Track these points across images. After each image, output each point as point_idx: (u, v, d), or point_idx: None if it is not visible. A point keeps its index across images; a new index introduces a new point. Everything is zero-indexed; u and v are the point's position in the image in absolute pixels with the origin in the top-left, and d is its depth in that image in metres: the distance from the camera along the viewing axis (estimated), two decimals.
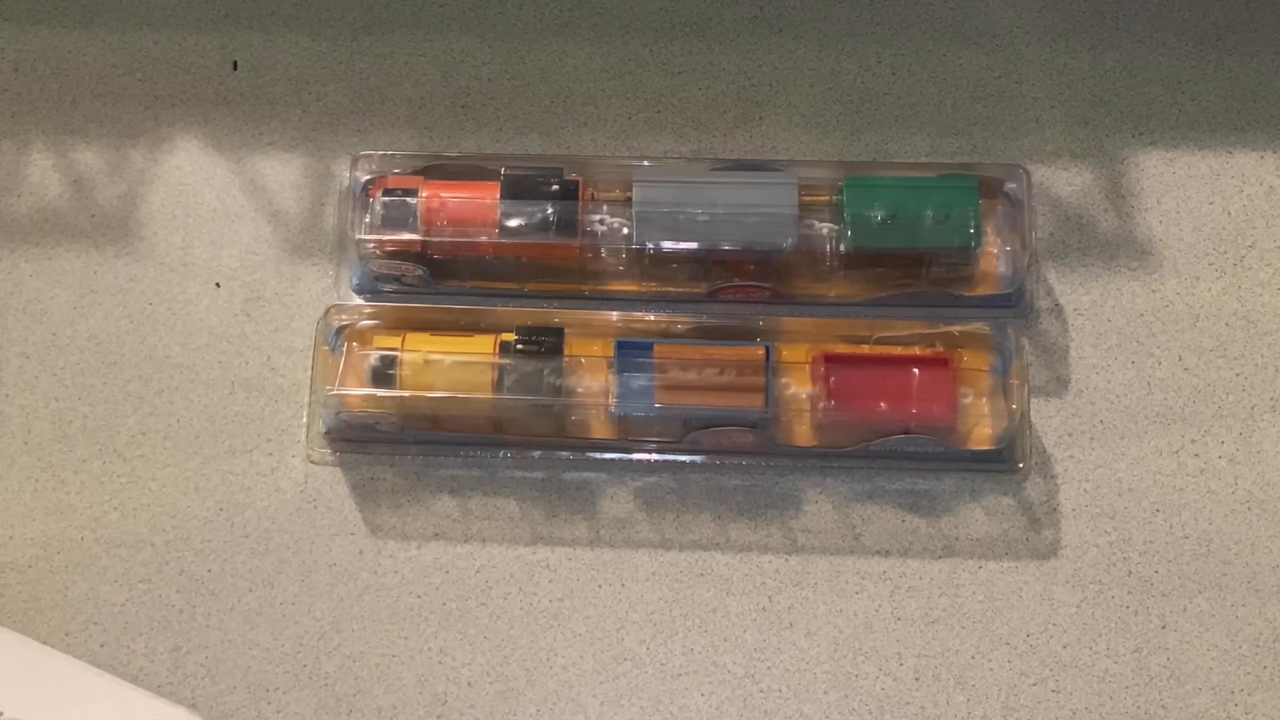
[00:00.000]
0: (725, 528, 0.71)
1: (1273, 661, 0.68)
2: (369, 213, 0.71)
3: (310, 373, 0.71)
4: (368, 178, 0.72)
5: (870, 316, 0.72)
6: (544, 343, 0.69)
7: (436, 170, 0.72)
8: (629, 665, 0.69)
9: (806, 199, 0.71)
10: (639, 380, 0.68)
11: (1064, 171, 0.75)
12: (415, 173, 0.72)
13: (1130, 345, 0.73)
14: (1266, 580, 0.69)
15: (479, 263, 0.72)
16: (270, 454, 0.72)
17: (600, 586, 0.70)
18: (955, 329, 0.70)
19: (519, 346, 0.69)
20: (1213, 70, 0.77)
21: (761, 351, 0.68)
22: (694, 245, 0.70)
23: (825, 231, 0.71)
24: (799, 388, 0.69)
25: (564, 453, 0.71)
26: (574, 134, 0.77)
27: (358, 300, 0.74)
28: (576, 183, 0.71)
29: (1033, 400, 0.72)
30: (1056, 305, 0.73)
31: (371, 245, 0.71)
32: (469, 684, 0.68)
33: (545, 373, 0.69)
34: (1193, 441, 0.71)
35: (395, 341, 0.69)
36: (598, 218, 0.71)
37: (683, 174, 0.72)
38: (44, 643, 0.66)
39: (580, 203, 0.70)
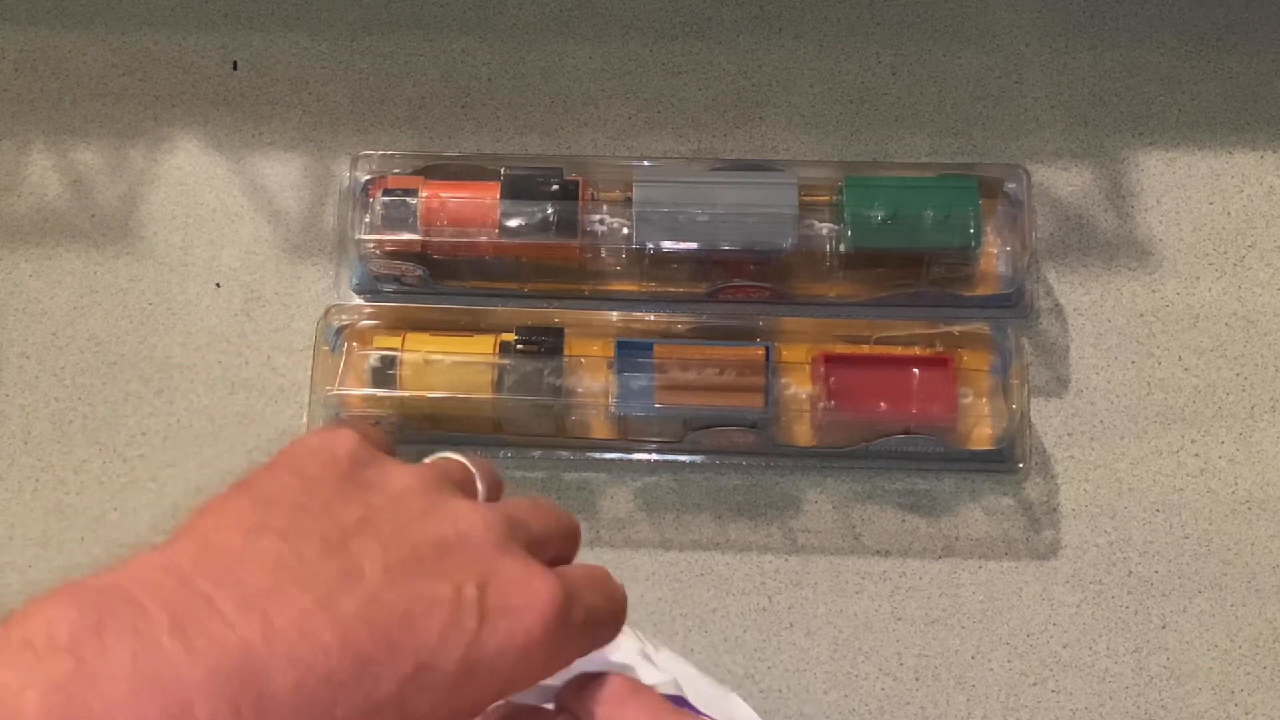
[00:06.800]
0: (725, 528, 0.70)
1: (1273, 661, 0.68)
2: (369, 213, 0.71)
3: (310, 373, 0.71)
4: (368, 178, 0.72)
5: (870, 316, 0.72)
6: (544, 343, 0.69)
7: (436, 170, 0.72)
8: None
9: (806, 199, 0.71)
10: (639, 380, 0.68)
11: (1064, 171, 0.75)
12: (415, 173, 0.72)
13: (1130, 345, 0.73)
14: (1266, 580, 0.69)
15: (479, 263, 0.72)
16: (271, 454, 0.72)
17: None
18: (955, 329, 0.70)
19: (519, 346, 0.69)
20: (1213, 70, 0.77)
21: (761, 351, 0.68)
22: (694, 245, 0.70)
23: (825, 231, 0.71)
24: (799, 388, 0.69)
25: (564, 453, 0.71)
26: (574, 134, 0.76)
27: (358, 300, 0.74)
28: (576, 183, 0.71)
29: (1033, 400, 0.72)
30: (1056, 305, 0.73)
31: (371, 245, 0.71)
32: None
33: (545, 373, 0.68)
34: (1193, 441, 0.71)
35: (395, 341, 0.69)
36: (598, 218, 0.71)
37: (683, 174, 0.72)
38: None
39: (580, 203, 0.70)
